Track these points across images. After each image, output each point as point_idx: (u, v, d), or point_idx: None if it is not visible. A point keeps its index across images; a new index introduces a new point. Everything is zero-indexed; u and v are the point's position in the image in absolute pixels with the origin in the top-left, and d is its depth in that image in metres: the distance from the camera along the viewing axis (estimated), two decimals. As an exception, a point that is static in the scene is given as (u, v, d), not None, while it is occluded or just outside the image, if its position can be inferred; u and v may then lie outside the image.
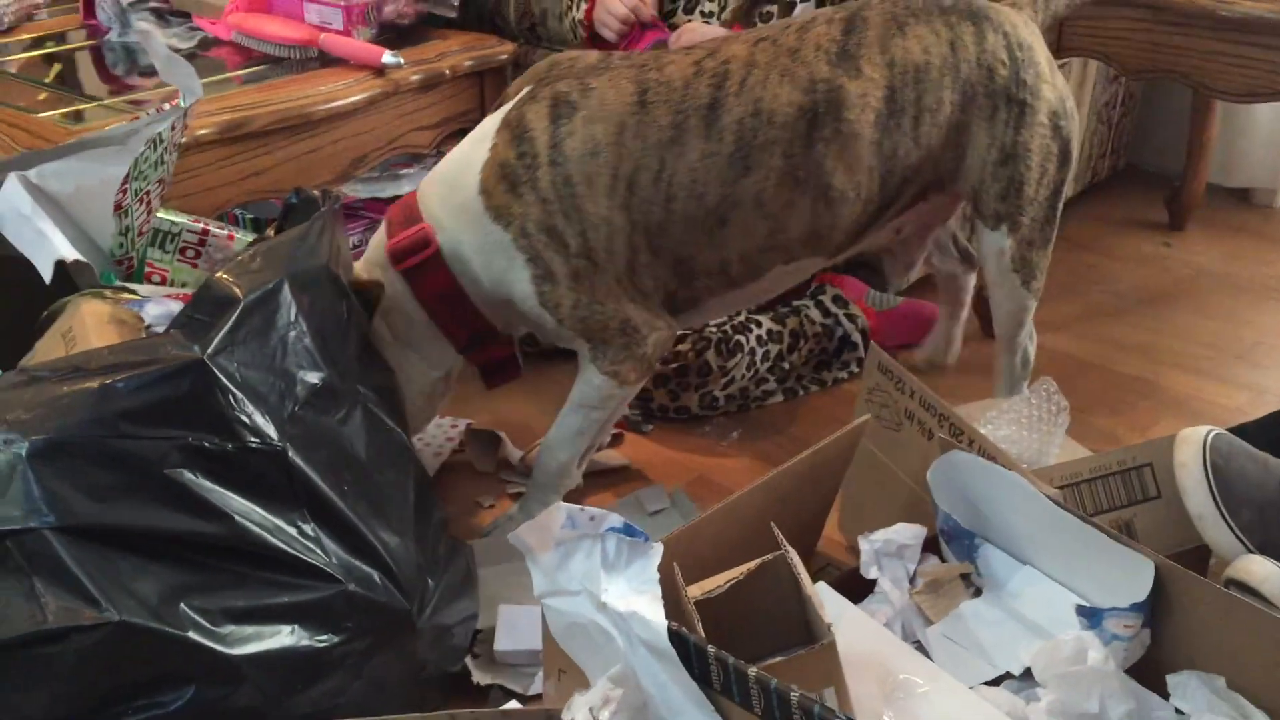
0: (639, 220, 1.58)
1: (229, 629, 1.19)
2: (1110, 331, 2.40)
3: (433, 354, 1.68)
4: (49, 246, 1.46)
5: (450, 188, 1.61)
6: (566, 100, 1.57)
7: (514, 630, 1.54)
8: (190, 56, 2.16)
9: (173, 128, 1.59)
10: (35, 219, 1.48)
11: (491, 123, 1.63)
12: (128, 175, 1.54)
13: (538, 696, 1.45)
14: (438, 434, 1.99)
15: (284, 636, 1.22)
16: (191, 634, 1.17)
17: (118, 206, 1.56)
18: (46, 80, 2.09)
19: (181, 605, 1.18)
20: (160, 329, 1.40)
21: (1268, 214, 2.93)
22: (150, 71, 2.12)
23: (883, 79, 1.61)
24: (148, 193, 1.61)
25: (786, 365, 2.14)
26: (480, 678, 1.48)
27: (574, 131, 1.56)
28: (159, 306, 1.44)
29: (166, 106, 1.60)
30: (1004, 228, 1.72)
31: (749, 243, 1.63)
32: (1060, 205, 1.76)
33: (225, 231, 1.74)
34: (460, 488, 1.91)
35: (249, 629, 1.21)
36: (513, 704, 1.31)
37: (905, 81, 1.62)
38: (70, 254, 1.46)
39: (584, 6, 2.13)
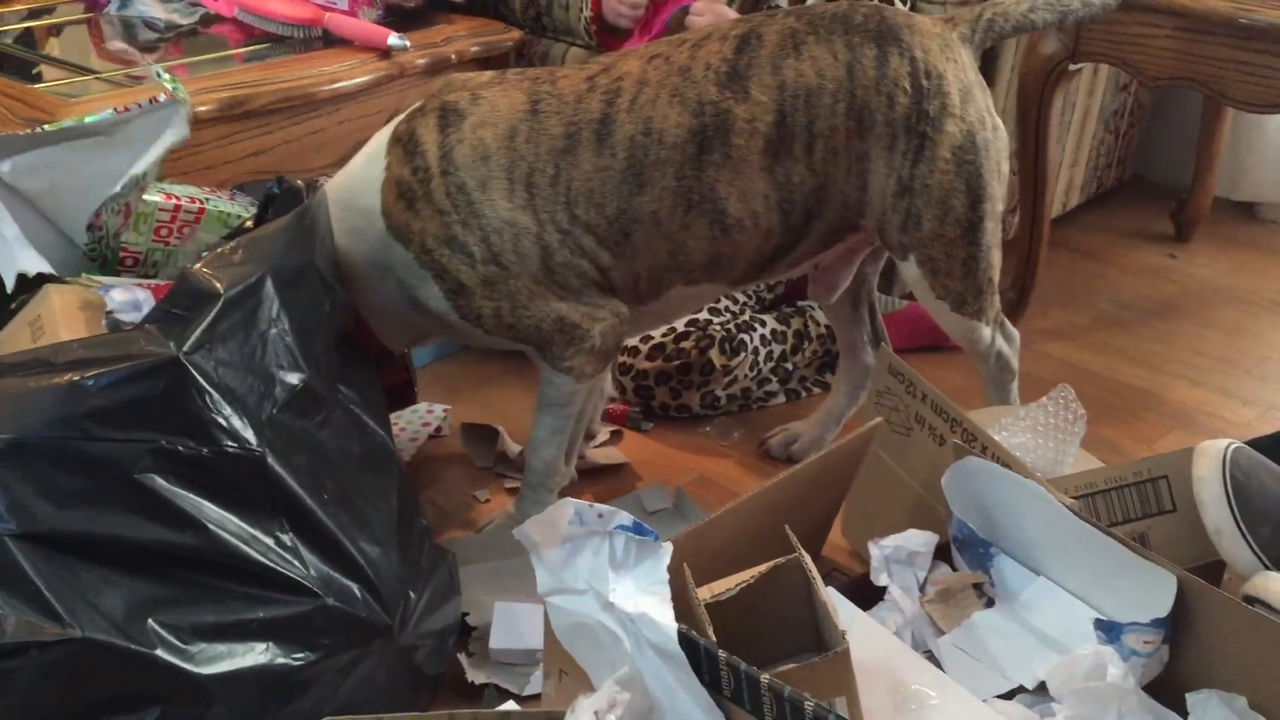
0: (547, 219, 1.53)
1: (199, 646, 1.14)
2: (1115, 341, 2.38)
3: None
4: (11, 255, 1.39)
5: (345, 209, 1.54)
6: (455, 109, 1.54)
7: (510, 628, 1.50)
8: (191, 33, 2.12)
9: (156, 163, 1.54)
10: (1, 225, 1.41)
11: (381, 139, 1.58)
12: (102, 207, 1.49)
13: (533, 697, 1.42)
14: (414, 419, 1.96)
15: (257, 654, 1.17)
16: (159, 651, 1.12)
17: (91, 226, 1.51)
18: (44, 52, 2.04)
19: (149, 621, 1.12)
20: (123, 315, 1.34)
21: (1274, 229, 2.92)
22: (149, 47, 2.08)
23: (772, 103, 1.54)
24: (127, 204, 1.56)
25: (790, 366, 2.11)
26: (475, 676, 1.45)
27: (463, 139, 1.52)
28: (125, 293, 1.37)
29: (161, 97, 1.54)
30: (912, 258, 1.63)
31: (654, 259, 1.58)
32: (986, 239, 1.63)
33: (196, 206, 1.67)
34: (456, 482, 1.87)
35: (220, 646, 1.15)
36: (510, 704, 1.27)
37: (796, 106, 1.54)
38: (34, 267, 1.40)
39: (589, 5, 2.09)
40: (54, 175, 1.46)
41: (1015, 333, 1.79)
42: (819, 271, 1.80)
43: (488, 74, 1.63)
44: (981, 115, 1.60)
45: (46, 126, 1.50)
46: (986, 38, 1.65)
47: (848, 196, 1.60)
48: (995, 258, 1.68)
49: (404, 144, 1.54)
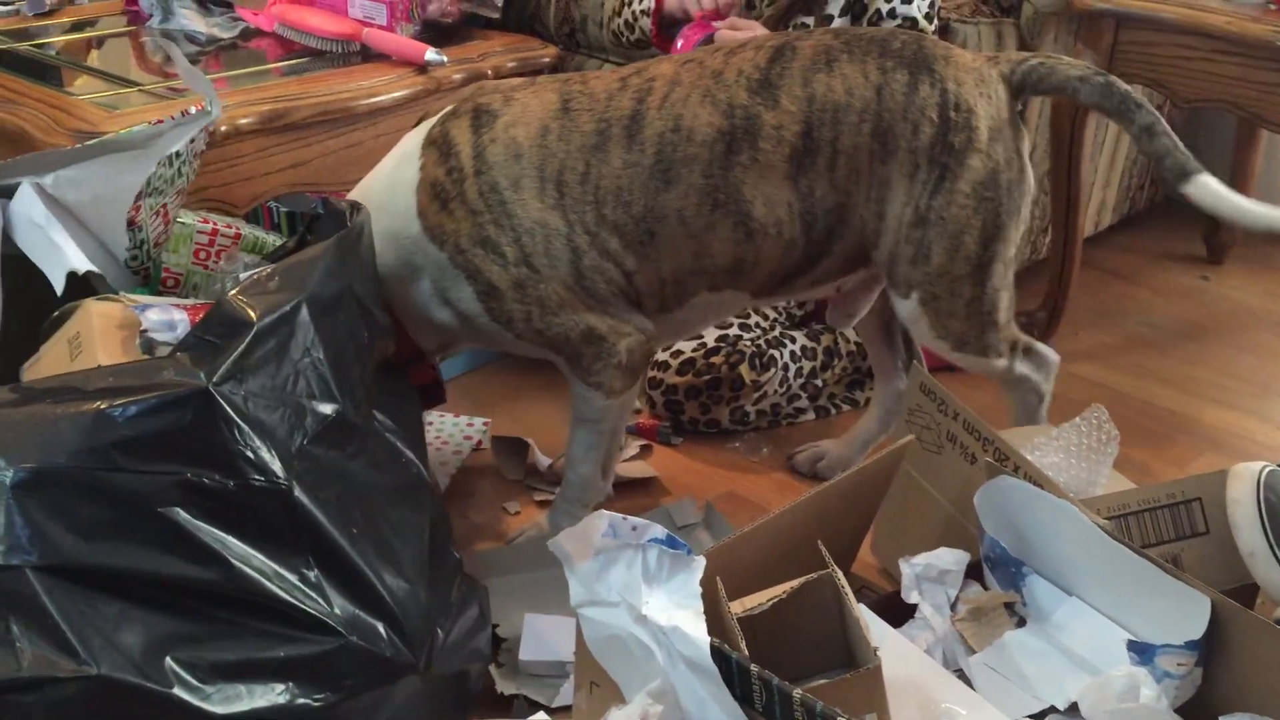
0: (575, 220, 1.54)
1: (216, 686, 1.11)
2: (1146, 363, 2.37)
3: None
4: (61, 257, 1.40)
5: (377, 211, 1.55)
6: (488, 110, 1.56)
7: (539, 640, 1.51)
8: (231, 47, 2.15)
9: (191, 141, 1.56)
10: (48, 228, 1.43)
11: (414, 140, 1.60)
12: (141, 192, 1.50)
13: (562, 709, 1.42)
14: (455, 432, 1.97)
15: (275, 694, 1.14)
16: (176, 691, 1.09)
17: (131, 222, 1.53)
18: (86, 64, 2.08)
19: (167, 659, 1.10)
20: (158, 335, 1.33)
21: (1308, 252, 2.90)
22: (190, 60, 2.11)
23: (800, 113, 1.54)
24: (165, 206, 1.58)
25: (819, 383, 2.11)
26: (504, 687, 1.45)
27: (495, 138, 1.54)
28: (160, 314, 1.36)
29: (192, 109, 1.57)
30: (914, 295, 1.61)
31: (678, 262, 1.58)
32: (994, 281, 1.61)
33: (233, 230, 1.70)
34: (486, 494, 1.88)
35: (239, 686, 1.12)
36: (540, 716, 1.28)
37: (823, 120, 1.54)
38: (82, 266, 1.40)
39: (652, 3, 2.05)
40: (94, 188, 1.47)
41: (1051, 357, 1.74)
42: (839, 296, 1.80)
43: (519, 79, 1.65)
44: (1010, 156, 1.58)
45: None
46: (1026, 81, 1.61)
47: (866, 222, 1.59)
48: (1003, 301, 1.64)
49: (439, 146, 1.56)
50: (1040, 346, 1.74)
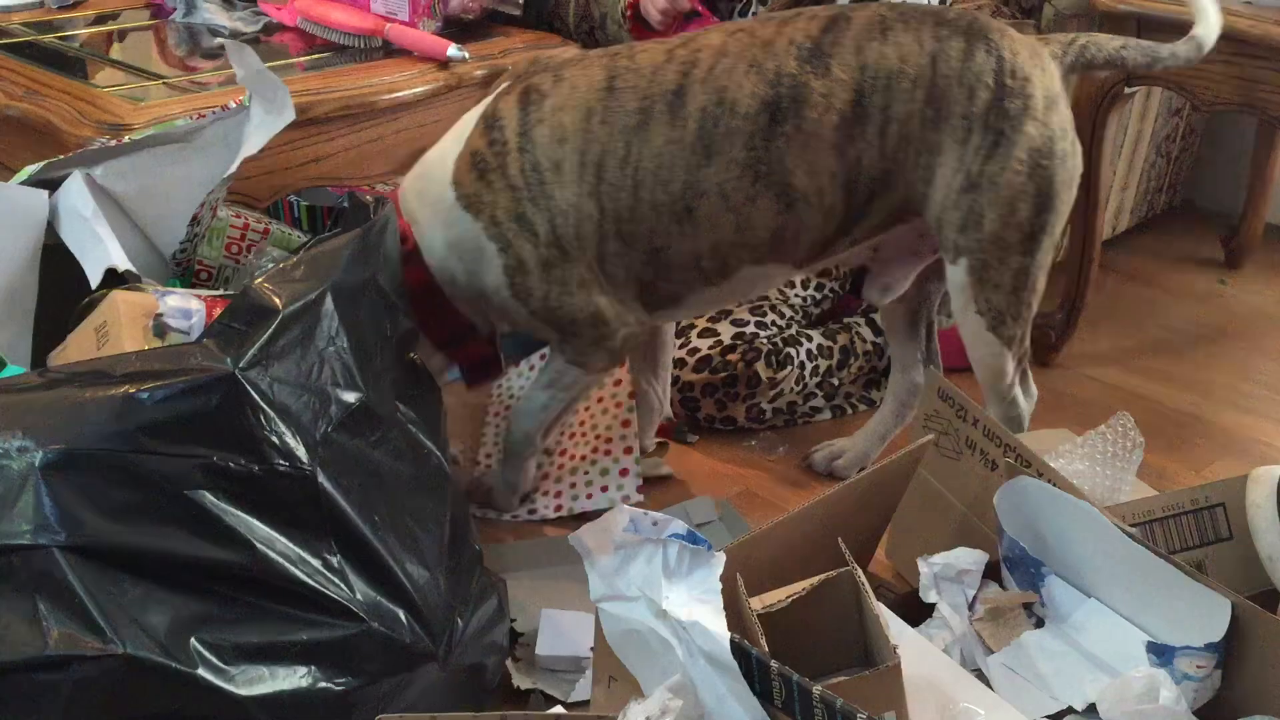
0: (609, 207, 1.56)
1: (240, 667, 1.11)
2: (1164, 367, 2.36)
3: None
4: (102, 252, 1.41)
5: (427, 181, 1.60)
6: (538, 90, 1.58)
7: (556, 635, 1.51)
8: (254, 41, 2.15)
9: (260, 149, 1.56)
10: (94, 222, 1.43)
11: (470, 117, 1.63)
12: (213, 190, 1.52)
13: (578, 704, 1.43)
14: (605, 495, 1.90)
15: (298, 677, 1.14)
16: (200, 671, 1.09)
17: (195, 219, 1.54)
18: (110, 56, 2.09)
19: (192, 639, 1.10)
20: (172, 321, 1.34)
21: (1327, 258, 2.89)
22: (213, 54, 2.12)
23: (851, 81, 1.54)
24: (217, 199, 1.60)
25: (836, 382, 2.11)
26: (520, 681, 1.46)
27: (543, 119, 1.56)
28: (179, 300, 1.37)
29: (232, 104, 1.57)
30: (963, 261, 1.60)
31: (717, 236, 1.58)
32: (1041, 255, 1.61)
33: (262, 225, 1.71)
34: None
35: (262, 668, 1.12)
36: (556, 710, 1.28)
37: (875, 87, 1.54)
38: (122, 264, 1.41)
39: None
40: (140, 180, 1.48)
41: (1035, 391, 1.76)
42: (877, 264, 1.79)
43: (572, 51, 1.66)
44: (1064, 127, 1.59)
45: (131, 135, 1.54)
46: (1078, 62, 1.64)
47: (913, 186, 1.59)
48: (1041, 282, 1.65)
49: (486, 120, 1.59)
50: (1030, 378, 1.75)
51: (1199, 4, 1.68)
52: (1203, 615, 1.20)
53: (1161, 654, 1.20)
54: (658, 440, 2.01)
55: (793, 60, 1.55)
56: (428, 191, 1.60)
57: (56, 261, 1.45)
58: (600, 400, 1.91)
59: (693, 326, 2.06)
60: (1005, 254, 1.59)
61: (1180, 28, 2.00)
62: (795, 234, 1.60)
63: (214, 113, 1.55)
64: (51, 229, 1.43)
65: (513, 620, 1.50)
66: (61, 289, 1.42)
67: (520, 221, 1.56)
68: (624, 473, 1.82)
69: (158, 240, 1.54)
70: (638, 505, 1.74)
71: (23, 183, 1.43)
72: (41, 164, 1.45)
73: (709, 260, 1.61)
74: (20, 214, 1.40)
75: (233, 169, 1.50)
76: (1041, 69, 1.58)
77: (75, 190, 1.45)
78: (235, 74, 1.56)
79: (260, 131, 1.54)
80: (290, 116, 1.55)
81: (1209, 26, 1.67)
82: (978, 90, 1.55)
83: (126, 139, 1.54)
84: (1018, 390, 1.72)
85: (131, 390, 1.12)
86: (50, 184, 1.43)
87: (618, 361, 1.68)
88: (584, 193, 1.55)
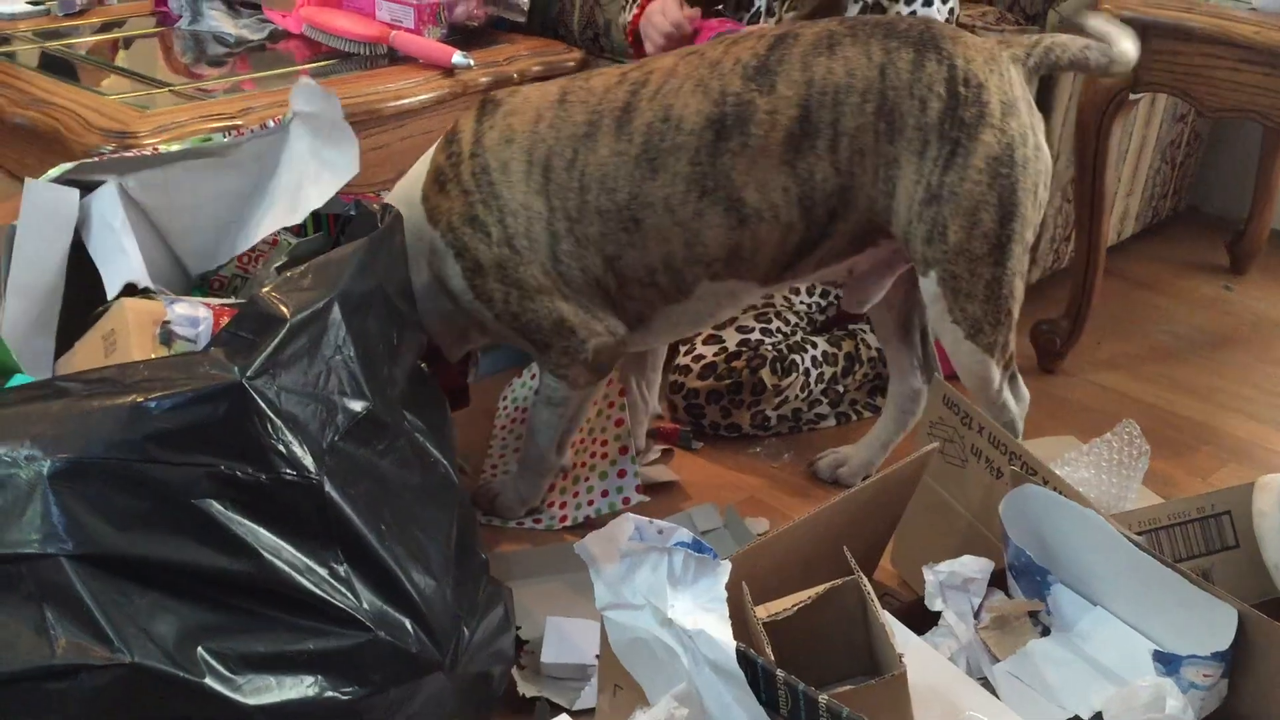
0: (557, 205, 1.58)
1: (247, 677, 1.11)
2: (1169, 373, 2.36)
3: None
4: (124, 265, 1.40)
5: (402, 203, 1.62)
6: (494, 100, 1.64)
7: (561, 643, 1.51)
8: (260, 48, 2.16)
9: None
10: (121, 234, 1.42)
11: (440, 139, 1.68)
12: (277, 230, 1.53)
13: (584, 711, 1.43)
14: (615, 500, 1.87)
15: (305, 687, 1.14)
16: (208, 680, 1.09)
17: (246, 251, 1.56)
18: (116, 64, 2.09)
19: (199, 649, 1.10)
20: (179, 329, 1.34)
21: (1332, 263, 2.89)
22: (217, 61, 2.13)
23: (797, 97, 1.54)
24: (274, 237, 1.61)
25: (840, 388, 2.11)
26: (526, 689, 1.46)
27: (494, 125, 1.61)
28: (186, 308, 1.37)
29: (270, 123, 1.58)
30: (933, 274, 1.58)
31: (667, 249, 1.59)
32: (1013, 263, 1.58)
33: (271, 236, 1.72)
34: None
35: (269, 678, 1.12)
36: (562, 718, 1.28)
37: (822, 103, 1.54)
38: (143, 281, 1.41)
39: (633, 12, 2.10)
40: (172, 193, 1.48)
41: (1026, 394, 1.74)
42: (852, 279, 1.79)
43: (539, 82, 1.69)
44: (1024, 132, 1.56)
45: (164, 148, 1.55)
46: (1042, 64, 1.61)
47: (875, 201, 1.58)
48: (1018, 288, 1.63)
49: (446, 136, 1.64)
50: (1020, 381, 1.73)
51: (1106, 34, 1.65)
52: (1209, 624, 1.19)
53: (1168, 663, 1.20)
54: (662, 447, 2.01)
55: (738, 79, 1.56)
56: (405, 217, 1.59)
57: (75, 263, 1.46)
58: (593, 402, 1.91)
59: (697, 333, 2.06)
60: (974, 265, 1.58)
61: (1185, 34, 2.01)
62: (753, 251, 1.60)
63: (252, 130, 1.56)
64: (77, 232, 1.42)
65: (518, 628, 1.50)
66: (77, 292, 1.43)
67: (473, 224, 1.59)
68: (621, 474, 1.81)
69: (183, 253, 1.54)
70: (638, 506, 1.76)
71: (53, 180, 1.42)
72: (74, 164, 1.45)
73: (664, 275, 1.62)
74: (51, 212, 1.39)
75: (297, 218, 1.49)
76: (999, 74, 1.56)
77: (107, 199, 1.44)
78: (294, 106, 1.53)
79: (326, 186, 1.52)
80: (355, 171, 1.54)
81: (1125, 44, 1.65)
82: (929, 100, 1.53)
83: (161, 149, 1.54)
84: (1007, 395, 1.71)
85: (139, 399, 1.12)
86: (80, 186, 1.43)
87: (598, 374, 1.67)
88: (532, 190, 1.58)
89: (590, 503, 1.81)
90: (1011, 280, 1.61)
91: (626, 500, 1.78)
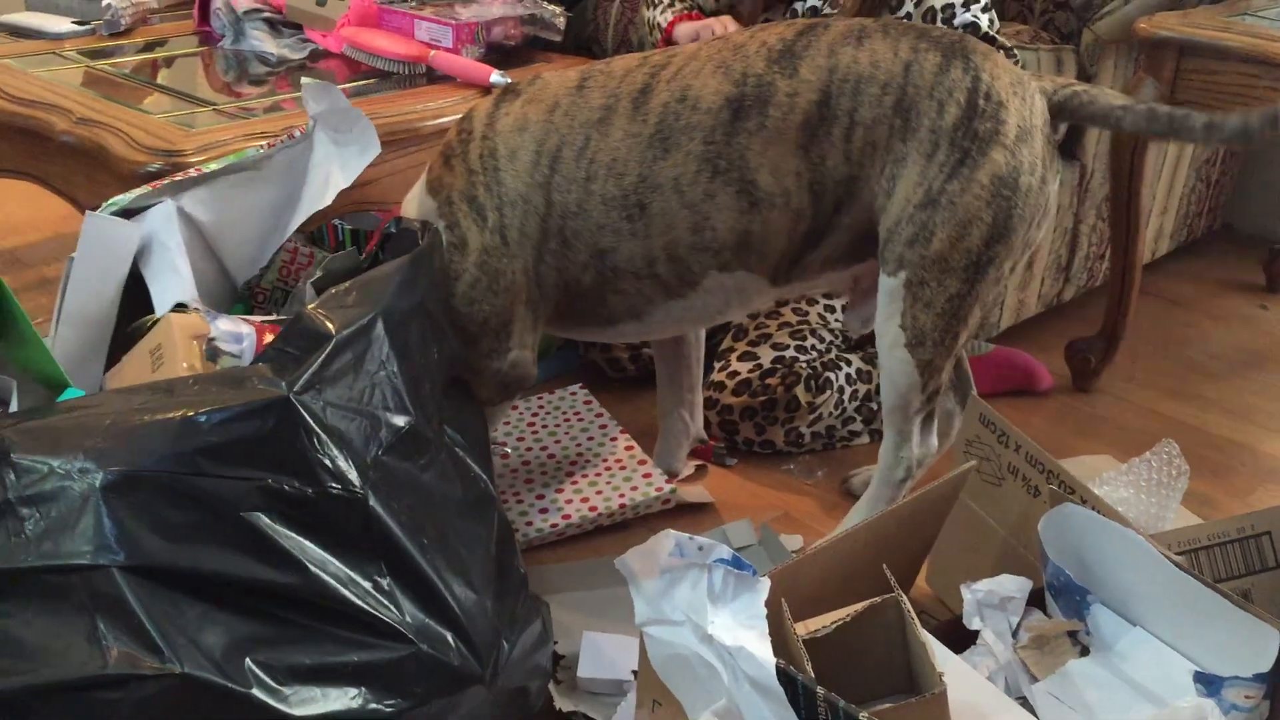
0: (557, 201, 1.58)
1: (293, 688, 1.12)
2: (1205, 392, 2.35)
3: None
4: (177, 285, 1.43)
5: (416, 186, 1.68)
6: (514, 89, 1.66)
7: (597, 658, 1.52)
8: (301, 68, 2.19)
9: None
10: (176, 254, 1.46)
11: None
12: (306, 221, 1.57)
13: (620, 727, 1.43)
14: (649, 496, 1.89)
15: (349, 699, 1.15)
16: (255, 691, 1.10)
17: (281, 248, 1.60)
18: (160, 83, 2.13)
19: (247, 660, 1.12)
20: (223, 345, 1.37)
21: (1369, 282, 2.86)
22: (260, 80, 2.16)
23: (818, 82, 1.53)
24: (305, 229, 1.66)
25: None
26: (563, 704, 1.47)
27: (510, 112, 1.63)
28: (230, 325, 1.41)
29: (297, 133, 1.61)
30: (903, 275, 1.55)
31: (672, 235, 1.57)
32: (981, 287, 1.56)
33: (308, 251, 1.75)
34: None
35: (314, 689, 1.13)
36: (600, 733, 1.29)
37: (843, 90, 1.52)
38: (192, 302, 1.44)
39: (668, 15, 2.11)
40: (218, 207, 1.52)
41: (935, 445, 1.71)
42: (856, 294, 1.77)
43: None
44: (1034, 162, 1.53)
45: (207, 166, 1.58)
46: (1066, 105, 1.58)
47: (876, 198, 1.56)
48: (974, 318, 1.59)
49: (462, 118, 1.67)
50: (934, 431, 1.70)
51: None
52: (1250, 645, 1.19)
53: (1209, 684, 1.20)
54: (696, 464, 2.02)
55: (761, 61, 1.56)
56: (412, 192, 1.68)
57: (126, 287, 1.48)
58: (589, 436, 1.99)
59: (732, 350, 2.07)
60: (945, 276, 1.55)
61: (1221, 53, 2.01)
62: (762, 239, 1.58)
63: (281, 142, 1.59)
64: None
65: (555, 642, 1.51)
66: (130, 315, 1.45)
67: (471, 203, 1.60)
68: (647, 476, 1.87)
69: (231, 266, 1.58)
70: (672, 518, 1.77)
71: (113, 214, 1.45)
72: (133, 194, 1.48)
73: (665, 265, 1.60)
74: (110, 246, 1.43)
75: (326, 201, 1.53)
76: (1022, 99, 1.54)
77: (163, 218, 1.47)
78: (309, 111, 1.58)
79: (351, 165, 1.58)
80: (377, 149, 1.59)
81: None
82: (948, 105, 1.52)
83: (207, 168, 1.57)
84: (915, 431, 1.66)
85: (190, 413, 1.14)
86: (133, 214, 1.46)
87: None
88: (534, 184, 1.59)
89: (620, 495, 1.84)
90: (972, 304, 1.58)
91: (660, 489, 1.84)
